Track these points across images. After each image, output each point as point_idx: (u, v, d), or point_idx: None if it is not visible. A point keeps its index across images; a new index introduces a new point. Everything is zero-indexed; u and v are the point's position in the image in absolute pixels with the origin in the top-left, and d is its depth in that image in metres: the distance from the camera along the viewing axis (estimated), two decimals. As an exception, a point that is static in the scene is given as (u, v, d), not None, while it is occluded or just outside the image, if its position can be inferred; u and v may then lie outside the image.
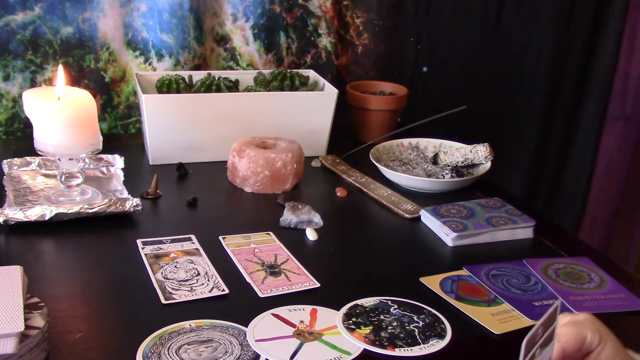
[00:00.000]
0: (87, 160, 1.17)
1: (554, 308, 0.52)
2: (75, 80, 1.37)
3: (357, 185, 1.20)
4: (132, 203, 1.02)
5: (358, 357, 0.74)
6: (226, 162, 1.20)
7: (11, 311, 0.66)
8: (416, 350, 0.75)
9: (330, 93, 1.31)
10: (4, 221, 0.96)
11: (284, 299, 0.84)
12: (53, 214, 0.97)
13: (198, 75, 1.34)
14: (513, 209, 1.09)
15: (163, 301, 0.82)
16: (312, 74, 1.42)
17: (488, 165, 1.23)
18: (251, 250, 0.96)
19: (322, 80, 1.39)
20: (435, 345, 0.76)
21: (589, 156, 1.91)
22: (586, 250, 1.03)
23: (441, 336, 0.78)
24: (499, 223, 1.04)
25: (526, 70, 1.78)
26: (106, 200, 1.01)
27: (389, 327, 0.79)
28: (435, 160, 1.25)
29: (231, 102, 1.25)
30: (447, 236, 1.01)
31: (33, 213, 0.97)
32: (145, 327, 0.76)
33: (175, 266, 0.90)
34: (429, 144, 1.33)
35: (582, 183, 1.94)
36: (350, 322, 0.79)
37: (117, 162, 1.18)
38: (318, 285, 0.88)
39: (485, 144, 1.21)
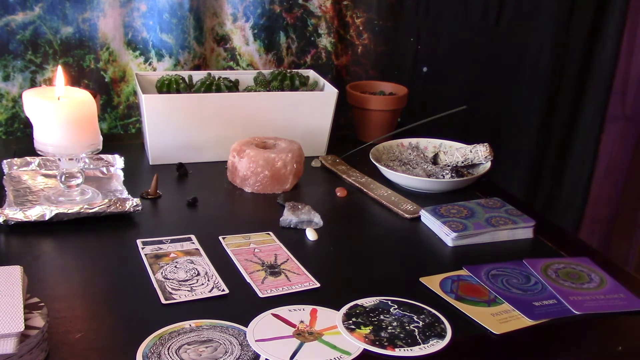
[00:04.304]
0: (87, 160, 1.17)
1: None
2: (75, 80, 1.37)
3: (357, 185, 1.20)
4: (132, 203, 1.02)
5: (358, 357, 0.74)
6: (226, 162, 1.20)
7: (11, 311, 0.66)
8: (416, 350, 0.75)
9: (330, 93, 1.31)
10: (4, 221, 0.96)
11: (284, 299, 0.84)
12: (53, 214, 0.97)
13: (198, 75, 1.34)
14: (513, 209, 1.09)
15: (163, 301, 0.82)
16: (312, 74, 1.42)
17: (488, 165, 1.23)
18: (251, 250, 0.96)
19: (322, 80, 1.39)
20: (435, 345, 0.76)
21: (589, 156, 1.91)
22: (586, 250, 1.03)
23: (441, 336, 0.78)
24: (499, 223, 1.04)
25: (526, 70, 1.78)
26: (106, 200, 1.01)
27: (389, 327, 0.79)
28: (435, 160, 1.25)
29: (231, 102, 1.25)
30: (447, 236, 1.01)
31: (33, 213, 0.97)
32: (145, 327, 0.76)
33: (175, 266, 0.90)
34: (429, 144, 1.33)
35: (582, 183, 1.94)
36: (350, 322, 0.79)
37: (117, 162, 1.18)
38: (318, 285, 0.88)
39: (485, 144, 1.21)
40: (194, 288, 0.85)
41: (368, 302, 0.84)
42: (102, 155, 1.18)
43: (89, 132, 1.03)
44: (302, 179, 1.20)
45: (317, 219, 1.05)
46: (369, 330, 0.78)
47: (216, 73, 1.34)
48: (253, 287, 0.86)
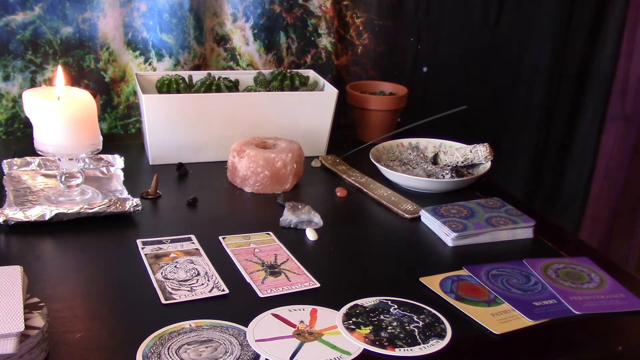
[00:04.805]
0: (87, 160, 1.17)
1: None
2: (75, 80, 1.37)
3: (357, 185, 1.20)
4: (132, 203, 1.02)
5: (358, 357, 0.74)
6: (226, 162, 1.20)
7: (11, 311, 0.66)
8: (416, 350, 0.75)
9: (330, 93, 1.31)
10: (4, 221, 0.96)
11: (284, 299, 0.84)
12: (53, 214, 0.97)
13: (198, 75, 1.34)
14: (513, 209, 1.09)
15: (163, 301, 0.82)
16: (312, 74, 1.42)
17: (488, 165, 1.23)
18: (251, 250, 0.96)
19: (322, 80, 1.39)
20: (435, 345, 0.76)
21: (589, 156, 1.91)
22: (586, 250, 1.03)
23: (441, 336, 0.78)
24: (499, 223, 1.04)
25: (526, 70, 1.78)
26: (106, 200, 1.01)
27: (389, 327, 0.79)
28: (435, 160, 1.25)
29: (231, 102, 1.25)
30: (447, 236, 1.01)
31: (33, 213, 0.97)
32: (145, 327, 0.76)
33: (175, 266, 0.90)
34: (429, 144, 1.33)
35: (582, 183, 1.94)
36: (350, 322, 0.79)
37: (117, 162, 1.18)
38: (318, 285, 0.88)
39: (485, 144, 1.21)
40: (194, 288, 0.85)
41: (368, 302, 0.84)
42: (102, 155, 1.18)
43: (89, 132, 1.03)
44: (302, 179, 1.20)
45: (317, 219, 1.05)
46: (369, 330, 0.78)
47: (216, 73, 1.34)
48: (253, 287, 0.86)
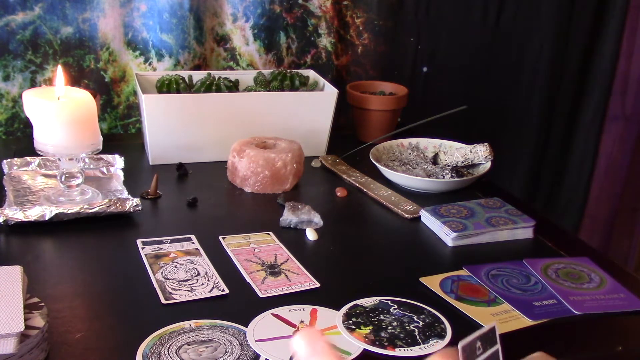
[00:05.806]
0: (87, 160, 1.17)
1: (489, 328, 0.49)
2: (75, 80, 1.37)
3: (357, 185, 1.20)
4: (132, 203, 1.02)
5: (358, 357, 0.74)
6: (226, 162, 1.20)
7: (11, 311, 0.66)
8: (416, 350, 0.75)
9: (330, 93, 1.31)
10: (4, 221, 0.96)
11: (284, 299, 0.84)
12: (53, 214, 0.97)
13: (198, 75, 1.34)
14: (513, 209, 1.09)
15: (163, 301, 0.82)
16: (312, 74, 1.42)
17: (488, 165, 1.23)
18: (251, 250, 0.96)
19: (322, 80, 1.39)
20: (435, 345, 0.76)
21: (589, 156, 1.91)
22: (586, 250, 1.03)
23: (441, 336, 0.78)
24: (499, 223, 1.04)
25: (526, 70, 1.78)
26: (106, 200, 1.01)
27: (389, 327, 0.79)
28: (435, 160, 1.25)
29: (231, 102, 1.25)
30: (447, 236, 1.01)
31: (33, 213, 0.97)
32: (145, 327, 0.76)
33: (175, 266, 0.90)
34: (429, 144, 1.33)
35: (582, 183, 1.94)
36: (350, 322, 0.79)
37: (117, 162, 1.18)
38: (318, 285, 0.88)
39: (485, 144, 1.21)
40: (194, 288, 0.85)
41: (368, 302, 0.84)
42: (102, 155, 1.18)
43: (89, 132, 1.03)
44: (302, 179, 1.20)
45: (317, 219, 1.05)
46: (369, 330, 0.78)
47: (216, 73, 1.34)
48: (253, 287, 0.86)
